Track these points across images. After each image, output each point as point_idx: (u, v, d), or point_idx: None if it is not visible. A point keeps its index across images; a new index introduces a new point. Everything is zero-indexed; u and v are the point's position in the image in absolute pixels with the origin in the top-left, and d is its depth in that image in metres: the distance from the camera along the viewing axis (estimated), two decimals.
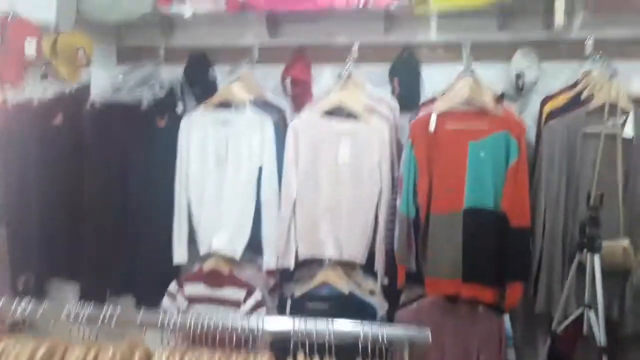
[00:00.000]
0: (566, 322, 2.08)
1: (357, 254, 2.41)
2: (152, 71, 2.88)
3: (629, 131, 2.11)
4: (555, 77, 2.49)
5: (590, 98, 2.19)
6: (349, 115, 2.43)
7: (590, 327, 2.02)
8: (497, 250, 2.20)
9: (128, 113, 2.66)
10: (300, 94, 2.73)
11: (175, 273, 2.75)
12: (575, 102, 2.24)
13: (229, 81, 2.66)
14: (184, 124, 2.59)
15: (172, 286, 2.56)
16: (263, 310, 2.45)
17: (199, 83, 2.86)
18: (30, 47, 2.50)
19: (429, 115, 2.28)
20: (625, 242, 2.07)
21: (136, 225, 2.68)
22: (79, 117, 2.83)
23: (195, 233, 2.60)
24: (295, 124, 2.44)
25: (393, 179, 2.39)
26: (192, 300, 2.53)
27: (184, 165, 2.58)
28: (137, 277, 2.69)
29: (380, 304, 2.37)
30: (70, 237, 2.83)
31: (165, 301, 2.56)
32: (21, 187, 2.90)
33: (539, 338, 2.44)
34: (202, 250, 2.57)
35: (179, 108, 2.78)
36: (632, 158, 2.11)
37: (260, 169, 2.50)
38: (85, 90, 2.92)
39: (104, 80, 2.98)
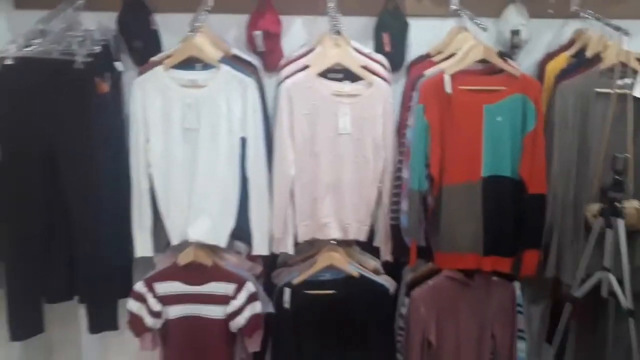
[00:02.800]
0: (586, 287, 1.90)
1: (362, 233, 1.98)
2: (74, 19, 2.08)
3: (639, 91, 1.92)
4: (540, 35, 2.22)
5: (598, 58, 1.95)
6: (346, 76, 1.95)
7: (610, 291, 1.87)
8: (515, 219, 1.93)
9: (56, 73, 1.84)
10: (270, 50, 2.15)
11: (126, 268, 2.10)
12: (581, 61, 1.98)
13: (187, 34, 1.96)
14: (137, 87, 1.87)
15: (139, 286, 1.91)
16: (257, 304, 1.93)
17: (140, 35, 2.11)
18: None
19: (440, 76, 1.87)
20: (636, 203, 1.92)
21: (73, 216, 1.93)
22: None
23: (161, 220, 1.95)
24: (289, 87, 1.87)
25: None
26: (167, 301, 1.92)
27: (141, 140, 1.89)
28: (81, 278, 1.97)
29: (389, 283, 2.00)
30: None
31: (132, 305, 1.92)
32: None
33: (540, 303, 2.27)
34: (174, 239, 1.93)
35: (119, 67, 2.06)
36: None
37: (243, 141, 1.91)
38: None
39: (1, 29, 2.11)
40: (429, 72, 1.93)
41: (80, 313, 2.28)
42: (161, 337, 1.97)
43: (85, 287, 1.99)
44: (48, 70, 1.86)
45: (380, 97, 1.92)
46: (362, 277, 1.94)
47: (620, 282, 1.87)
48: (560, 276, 2.01)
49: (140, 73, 1.92)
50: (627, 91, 1.92)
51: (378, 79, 1.92)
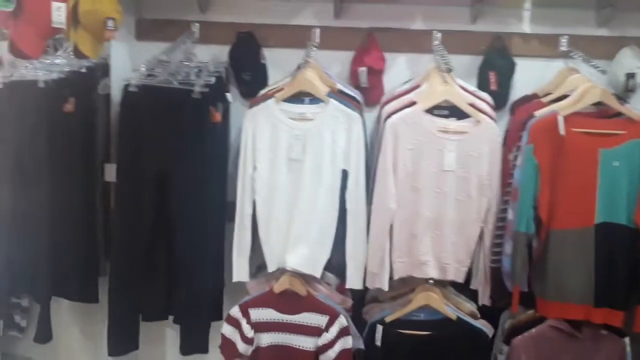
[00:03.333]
0: None
1: (460, 274, 1.89)
2: (189, 51, 2.18)
3: None
4: None
5: None
6: (451, 113, 1.91)
7: None
8: (630, 270, 1.80)
9: (175, 101, 1.94)
10: (372, 86, 2.16)
11: (220, 292, 2.10)
12: None
13: (297, 68, 1.96)
14: (250, 117, 1.92)
15: (235, 311, 1.91)
16: (349, 338, 1.88)
17: (249, 68, 2.19)
18: (59, 14, 1.71)
19: (553, 116, 1.80)
20: None
21: (177, 237, 1.98)
22: (99, 103, 2.11)
23: (259, 246, 1.95)
24: (396, 122, 1.85)
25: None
26: (260, 328, 1.91)
27: (249, 168, 1.92)
28: (178, 299, 2.01)
29: (488, 329, 1.90)
30: (87, 250, 2.11)
31: (226, 329, 1.91)
32: (22, 191, 2.12)
33: None
34: (271, 266, 1.93)
35: (229, 98, 2.12)
36: None
37: (345, 173, 1.90)
38: (101, 69, 2.17)
39: (123, 58, 2.24)
40: (540, 112, 1.86)
41: (168, 333, 2.32)
42: None
43: (181, 307, 2.02)
44: (168, 97, 1.96)
45: (487, 135, 1.86)
46: (460, 320, 1.85)
47: None
48: None
49: (252, 105, 1.97)
50: None
51: (486, 117, 1.88)
